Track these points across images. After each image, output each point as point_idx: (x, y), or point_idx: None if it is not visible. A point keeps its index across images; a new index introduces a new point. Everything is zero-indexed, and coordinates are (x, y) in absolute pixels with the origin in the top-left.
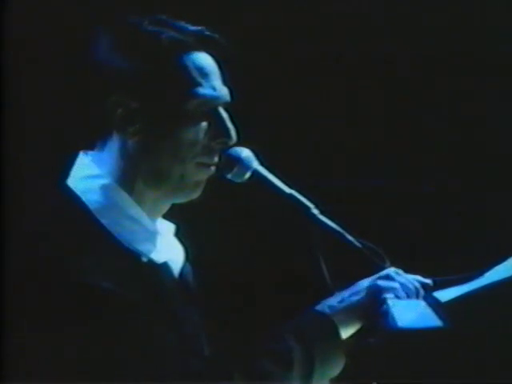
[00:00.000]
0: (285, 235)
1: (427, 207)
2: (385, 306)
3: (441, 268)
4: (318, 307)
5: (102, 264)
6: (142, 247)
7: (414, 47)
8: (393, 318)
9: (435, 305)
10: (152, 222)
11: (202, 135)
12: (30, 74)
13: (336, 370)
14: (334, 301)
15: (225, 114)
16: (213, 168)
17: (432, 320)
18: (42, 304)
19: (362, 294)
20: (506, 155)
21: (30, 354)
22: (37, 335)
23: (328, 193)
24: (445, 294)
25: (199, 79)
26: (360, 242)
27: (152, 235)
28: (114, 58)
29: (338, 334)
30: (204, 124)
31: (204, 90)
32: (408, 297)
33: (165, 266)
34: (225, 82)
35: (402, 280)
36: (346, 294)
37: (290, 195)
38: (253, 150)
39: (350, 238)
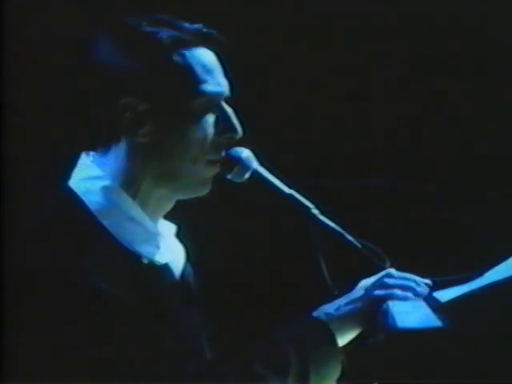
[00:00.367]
0: (285, 235)
1: (427, 207)
2: (384, 307)
3: (441, 268)
4: (315, 313)
5: (103, 265)
6: (142, 248)
7: (413, 47)
8: (393, 319)
9: (435, 305)
10: (153, 223)
11: (210, 132)
12: (30, 74)
13: (333, 376)
14: (330, 308)
15: (229, 109)
16: (220, 164)
17: (432, 320)
18: (42, 304)
19: (359, 304)
20: (505, 155)
21: (29, 353)
22: (37, 335)
23: (328, 193)
24: (445, 294)
25: (204, 76)
26: (360, 242)
27: (153, 236)
28: (117, 61)
29: (334, 342)
30: (211, 120)
31: (210, 87)
32: (410, 296)
33: (165, 268)
34: (225, 75)
35: (398, 283)
36: (342, 301)
37: (290, 195)
38: (253, 150)
39: (349, 238)
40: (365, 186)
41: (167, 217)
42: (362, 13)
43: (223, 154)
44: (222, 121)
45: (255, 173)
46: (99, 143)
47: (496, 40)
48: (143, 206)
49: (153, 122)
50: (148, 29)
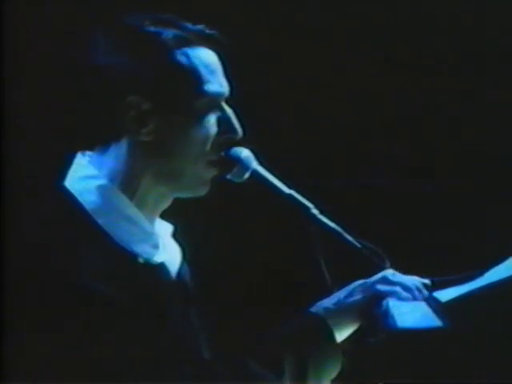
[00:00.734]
0: (284, 235)
1: (427, 207)
2: (385, 307)
3: (441, 268)
4: (313, 309)
5: (99, 264)
6: (138, 248)
7: (413, 47)
8: (393, 319)
9: (435, 305)
10: (149, 222)
11: (212, 132)
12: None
13: (333, 372)
14: (328, 303)
15: (229, 110)
16: (219, 165)
17: (432, 320)
18: (42, 304)
19: (358, 296)
20: (506, 155)
21: (29, 353)
22: (37, 335)
23: (328, 193)
24: (445, 294)
25: (207, 76)
26: (360, 242)
27: (149, 236)
28: (121, 60)
29: (332, 337)
30: (213, 121)
31: (213, 87)
32: (410, 296)
33: (162, 267)
34: (226, 75)
35: (401, 281)
36: (340, 295)
37: (290, 195)
38: (252, 150)
39: (349, 238)
40: (365, 185)
41: (164, 216)
42: (362, 13)
43: (223, 154)
44: (223, 121)
45: (254, 173)
46: (99, 142)
47: (496, 40)
48: (141, 204)
49: (156, 120)
50: (151, 28)
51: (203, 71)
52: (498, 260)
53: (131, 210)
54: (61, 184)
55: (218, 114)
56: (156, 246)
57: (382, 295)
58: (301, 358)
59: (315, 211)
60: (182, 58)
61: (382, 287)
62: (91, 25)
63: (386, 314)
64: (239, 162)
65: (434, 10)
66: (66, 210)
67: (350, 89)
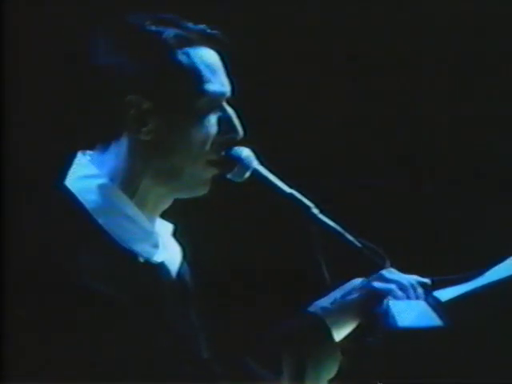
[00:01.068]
0: (284, 235)
1: (427, 207)
2: (384, 306)
3: (440, 267)
4: (310, 308)
5: (99, 264)
6: (138, 247)
7: (413, 47)
8: (393, 318)
9: (435, 304)
10: (149, 221)
11: (213, 132)
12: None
13: (331, 371)
14: (326, 302)
15: (231, 110)
16: (219, 165)
17: (432, 319)
18: (42, 304)
19: (356, 295)
20: (505, 155)
21: (30, 353)
22: (37, 335)
23: (328, 192)
24: (445, 294)
25: (208, 75)
26: (360, 242)
27: (149, 235)
28: (122, 60)
29: (330, 336)
30: (214, 120)
31: (214, 87)
32: (406, 296)
33: (162, 266)
34: (228, 75)
35: (397, 279)
36: (337, 294)
37: (290, 194)
38: (253, 150)
39: (350, 237)
40: (365, 185)
41: (164, 216)
42: (362, 13)
43: (223, 153)
44: (224, 121)
45: (255, 172)
46: (99, 141)
47: (496, 40)
48: (141, 204)
49: (156, 120)
50: (153, 28)
51: (204, 71)
52: (498, 260)
53: (131, 209)
54: (61, 183)
55: (219, 113)
56: (156, 246)
57: (378, 293)
58: (299, 357)
59: (315, 211)
60: (182, 58)
61: (377, 285)
62: (91, 25)
63: (385, 313)
64: (240, 161)
65: (434, 10)
66: (66, 210)
67: (350, 89)
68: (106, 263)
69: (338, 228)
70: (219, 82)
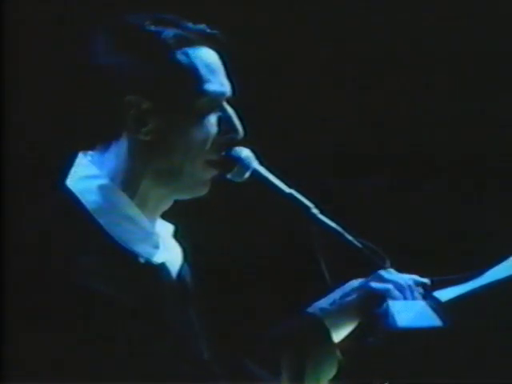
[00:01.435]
0: (284, 235)
1: (427, 207)
2: (384, 306)
3: (440, 267)
4: (309, 310)
5: (99, 264)
6: (139, 248)
7: (413, 47)
8: (392, 318)
9: (435, 304)
10: (150, 222)
11: (212, 132)
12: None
13: (330, 372)
14: (325, 303)
15: (231, 110)
16: (219, 165)
17: (432, 320)
18: (42, 304)
19: (354, 295)
20: (505, 155)
21: (29, 353)
22: (37, 335)
23: (328, 193)
24: (444, 294)
25: (208, 76)
26: (360, 242)
27: (150, 236)
28: (121, 59)
29: (329, 337)
30: (214, 120)
31: (213, 87)
32: (403, 296)
33: (162, 267)
34: (228, 75)
35: (395, 279)
36: (336, 295)
37: (290, 195)
38: (253, 150)
39: (349, 237)
40: (365, 185)
41: (165, 216)
42: (362, 12)
43: (223, 153)
44: (224, 121)
45: (255, 172)
46: (99, 142)
47: (496, 40)
48: (142, 205)
49: (156, 120)
50: (152, 28)
51: (204, 71)
52: (498, 260)
53: (132, 209)
54: (62, 184)
55: (219, 113)
56: (157, 246)
57: (375, 293)
58: (298, 358)
59: (315, 211)
60: (182, 58)
61: (374, 285)
62: (91, 25)
63: (385, 313)
64: (239, 161)
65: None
66: (67, 210)
67: (350, 89)
68: (107, 263)
69: (338, 228)
70: (219, 82)
